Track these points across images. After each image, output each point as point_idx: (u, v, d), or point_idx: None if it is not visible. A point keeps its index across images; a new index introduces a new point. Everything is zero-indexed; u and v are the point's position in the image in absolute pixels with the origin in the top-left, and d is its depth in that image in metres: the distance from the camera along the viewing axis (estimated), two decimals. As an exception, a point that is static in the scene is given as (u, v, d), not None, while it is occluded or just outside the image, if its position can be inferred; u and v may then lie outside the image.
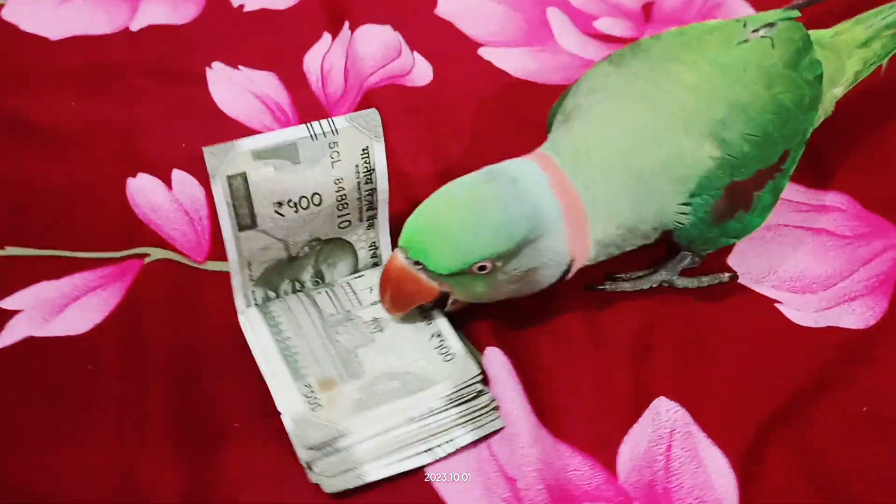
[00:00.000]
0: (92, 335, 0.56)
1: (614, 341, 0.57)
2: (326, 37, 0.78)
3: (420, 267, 0.50)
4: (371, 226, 0.58)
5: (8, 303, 0.58)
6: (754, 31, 0.54)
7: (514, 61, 0.76)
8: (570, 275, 0.52)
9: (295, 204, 0.54)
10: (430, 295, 0.51)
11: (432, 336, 0.55)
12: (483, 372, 0.53)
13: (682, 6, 0.82)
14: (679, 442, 0.53)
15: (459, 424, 0.52)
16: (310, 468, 0.50)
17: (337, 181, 0.55)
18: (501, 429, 0.52)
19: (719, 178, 0.50)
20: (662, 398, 0.54)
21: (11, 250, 0.61)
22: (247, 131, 0.69)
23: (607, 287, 0.59)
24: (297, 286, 0.58)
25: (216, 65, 0.74)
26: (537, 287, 0.52)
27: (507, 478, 0.51)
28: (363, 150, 0.55)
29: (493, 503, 0.50)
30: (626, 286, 0.59)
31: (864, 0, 0.67)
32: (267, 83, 0.73)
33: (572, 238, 0.49)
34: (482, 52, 0.77)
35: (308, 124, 0.53)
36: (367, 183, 0.56)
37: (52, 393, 0.54)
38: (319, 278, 0.58)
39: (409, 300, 0.52)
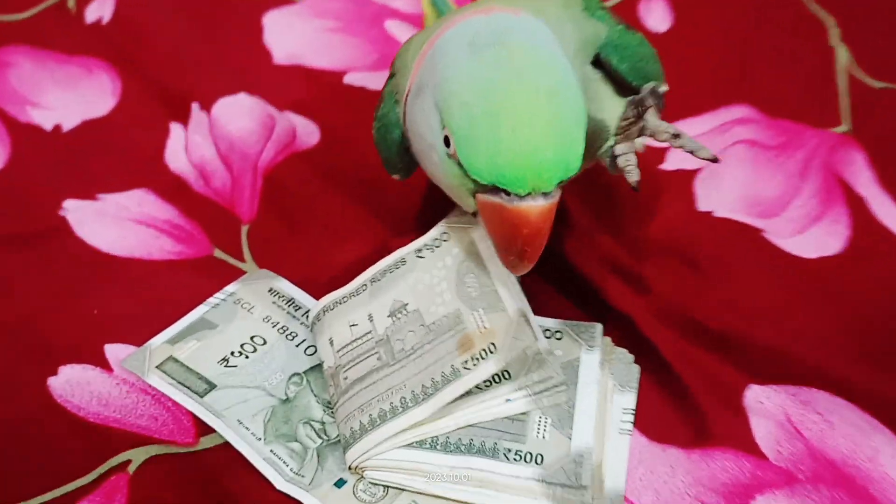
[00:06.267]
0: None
1: (669, 337, 0.54)
2: (176, 128, 0.67)
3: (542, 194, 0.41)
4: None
5: None
6: None
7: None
8: None
9: (240, 353, 0.53)
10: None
11: None
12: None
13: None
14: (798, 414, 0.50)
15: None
16: None
17: (266, 319, 0.54)
18: None
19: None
20: (753, 387, 0.51)
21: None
22: (148, 267, 0.58)
23: (619, 157, 0.47)
24: (318, 426, 0.50)
25: (69, 204, 0.62)
26: None
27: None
28: (269, 290, 0.56)
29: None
30: (637, 143, 0.48)
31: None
32: (142, 202, 0.62)
33: None
34: (349, 79, 0.70)
35: (206, 302, 0.55)
36: (296, 309, 0.55)
37: None
38: (332, 408, 0.50)
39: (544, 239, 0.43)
